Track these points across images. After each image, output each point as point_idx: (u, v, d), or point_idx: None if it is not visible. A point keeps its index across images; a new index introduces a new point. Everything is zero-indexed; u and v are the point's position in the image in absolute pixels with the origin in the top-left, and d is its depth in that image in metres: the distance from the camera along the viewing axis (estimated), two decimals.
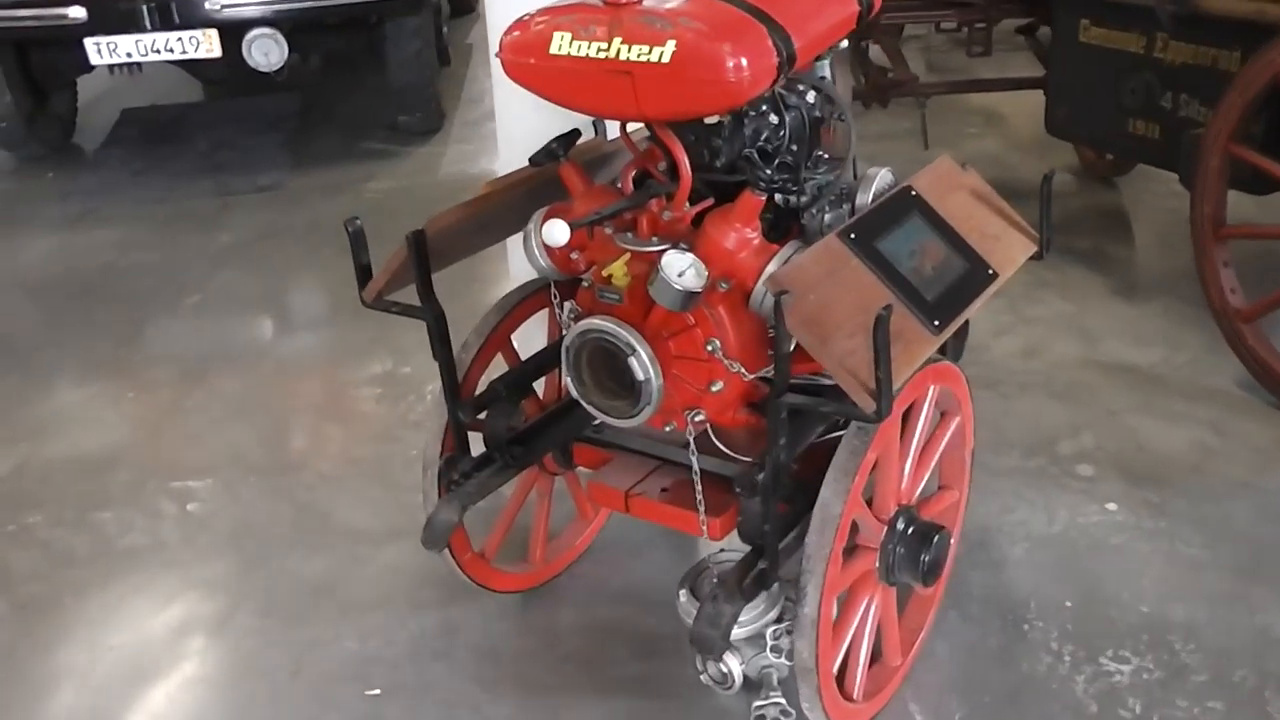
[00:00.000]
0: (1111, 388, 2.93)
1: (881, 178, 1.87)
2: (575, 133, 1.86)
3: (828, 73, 1.94)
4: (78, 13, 4.49)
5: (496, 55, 1.71)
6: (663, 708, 2.00)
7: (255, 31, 4.65)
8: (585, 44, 1.61)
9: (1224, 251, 2.85)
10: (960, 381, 1.92)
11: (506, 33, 1.69)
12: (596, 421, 1.99)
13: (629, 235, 1.76)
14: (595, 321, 1.73)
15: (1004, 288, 3.06)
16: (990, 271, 1.81)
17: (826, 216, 1.83)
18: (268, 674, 2.13)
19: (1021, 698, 1.97)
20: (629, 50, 1.57)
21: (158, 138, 5.71)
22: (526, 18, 1.68)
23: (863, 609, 1.82)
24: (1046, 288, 3.48)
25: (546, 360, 2.08)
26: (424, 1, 4.98)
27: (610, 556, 2.38)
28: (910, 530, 1.81)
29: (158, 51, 4.61)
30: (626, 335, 1.70)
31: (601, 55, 1.60)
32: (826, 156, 1.89)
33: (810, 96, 1.87)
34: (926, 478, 1.91)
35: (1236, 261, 2.86)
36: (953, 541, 2.07)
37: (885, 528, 1.79)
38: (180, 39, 4.58)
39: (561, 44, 1.62)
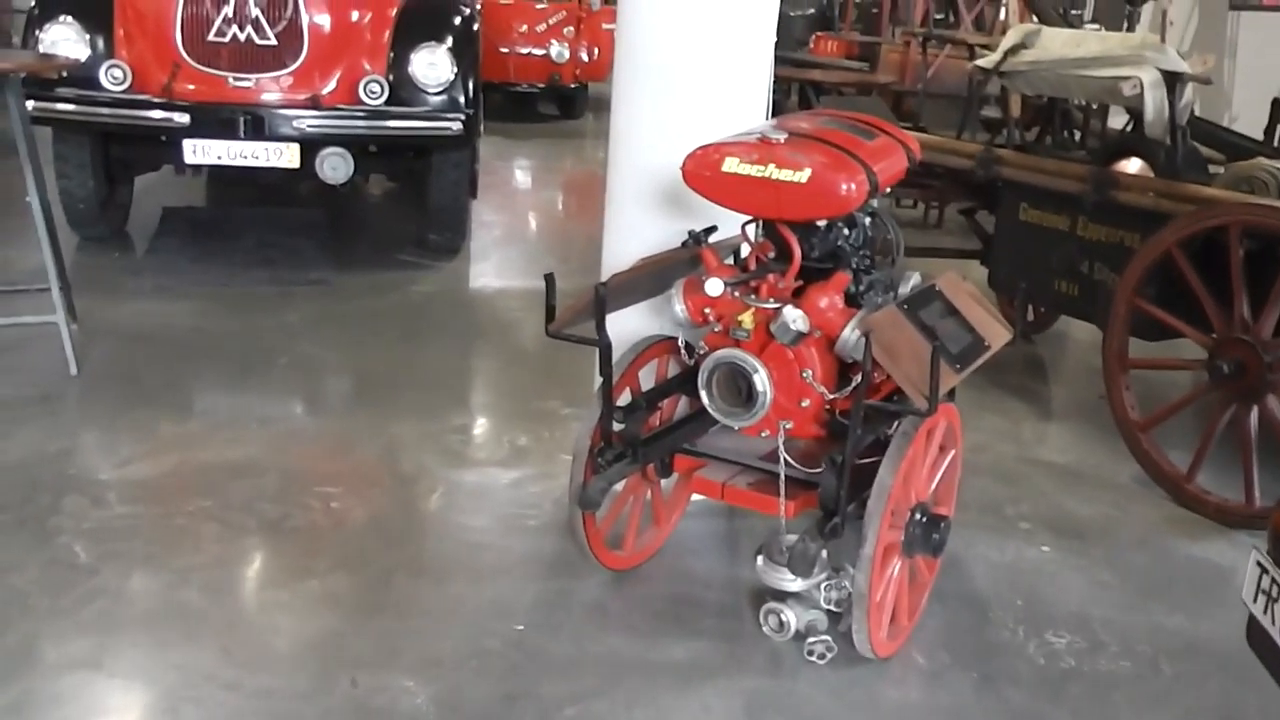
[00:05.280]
0: (1040, 476, 3.82)
1: (914, 277, 2.75)
2: (714, 227, 2.71)
3: (876, 204, 2.84)
4: (183, 118, 5.28)
5: (680, 168, 2.56)
6: (732, 647, 2.73)
7: (329, 150, 5.48)
8: (748, 166, 2.47)
9: (1126, 378, 3.79)
10: (958, 421, 2.77)
11: (689, 156, 2.55)
12: (697, 439, 2.79)
13: (753, 296, 2.60)
14: (729, 351, 2.55)
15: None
16: (986, 344, 2.69)
17: (878, 299, 2.69)
18: (430, 613, 2.81)
19: (991, 652, 2.77)
20: (778, 172, 2.44)
21: (203, 234, 6.43)
22: (706, 146, 2.55)
23: (891, 570, 2.61)
24: (988, 410, 4.38)
25: (664, 391, 2.88)
26: (468, 141, 5.88)
27: (676, 555, 3.13)
28: (925, 518, 2.63)
29: (244, 157, 5.39)
30: (753, 361, 2.52)
31: (759, 175, 2.46)
32: (881, 258, 2.78)
33: (868, 221, 2.76)
34: (931, 490, 2.74)
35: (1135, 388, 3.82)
36: None
37: (909, 513, 2.60)
38: (267, 149, 5.38)
39: (731, 165, 2.48)
